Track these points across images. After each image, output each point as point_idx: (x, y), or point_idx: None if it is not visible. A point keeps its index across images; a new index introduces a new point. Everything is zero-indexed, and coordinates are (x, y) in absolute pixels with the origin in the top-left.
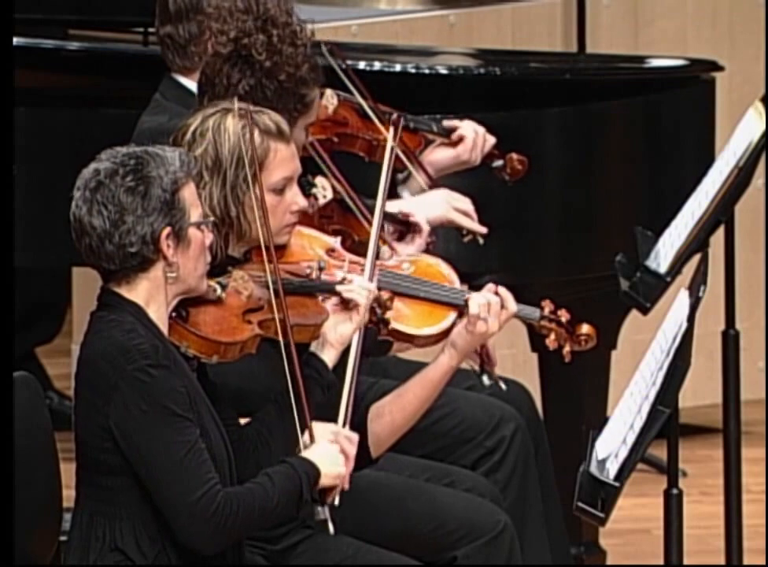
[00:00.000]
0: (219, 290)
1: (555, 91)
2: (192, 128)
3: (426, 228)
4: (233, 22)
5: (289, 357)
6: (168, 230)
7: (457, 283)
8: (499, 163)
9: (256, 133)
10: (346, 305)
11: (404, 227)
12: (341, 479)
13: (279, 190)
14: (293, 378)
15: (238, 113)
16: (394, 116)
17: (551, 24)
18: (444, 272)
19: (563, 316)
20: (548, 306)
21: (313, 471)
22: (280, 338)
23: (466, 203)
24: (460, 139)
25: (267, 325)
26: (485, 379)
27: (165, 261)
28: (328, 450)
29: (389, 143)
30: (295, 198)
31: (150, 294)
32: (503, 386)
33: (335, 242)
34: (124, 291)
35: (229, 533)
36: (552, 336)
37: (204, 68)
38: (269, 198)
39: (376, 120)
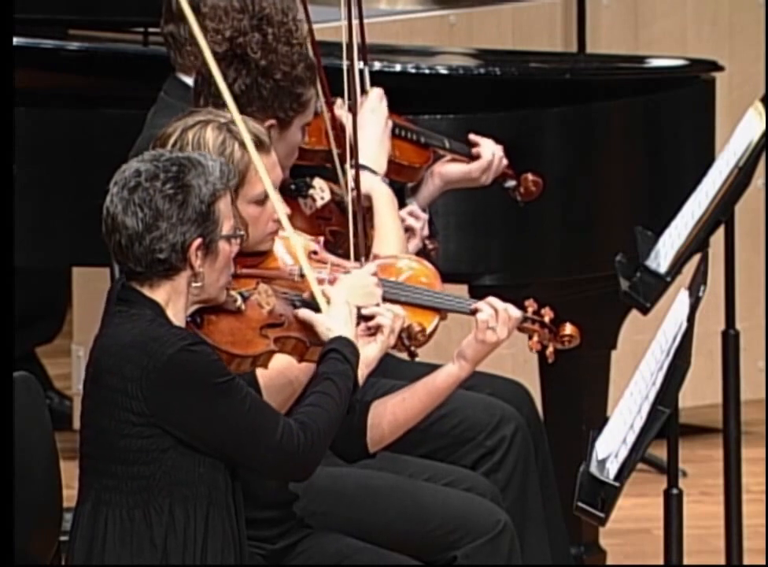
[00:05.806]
0: (239, 301)
1: (555, 91)
2: (172, 140)
3: (417, 227)
4: (228, 21)
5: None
6: (198, 241)
7: (440, 286)
8: (511, 183)
9: (236, 146)
10: (372, 328)
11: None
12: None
13: (261, 201)
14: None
15: (217, 125)
16: None
17: (551, 24)
18: (426, 276)
19: (547, 315)
20: (531, 306)
21: (357, 353)
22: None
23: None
24: (477, 156)
25: (283, 342)
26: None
27: (191, 271)
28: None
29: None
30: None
31: (170, 298)
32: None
33: (317, 244)
34: (146, 291)
35: (319, 452)
36: (535, 338)
37: (199, 67)
38: (251, 209)
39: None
